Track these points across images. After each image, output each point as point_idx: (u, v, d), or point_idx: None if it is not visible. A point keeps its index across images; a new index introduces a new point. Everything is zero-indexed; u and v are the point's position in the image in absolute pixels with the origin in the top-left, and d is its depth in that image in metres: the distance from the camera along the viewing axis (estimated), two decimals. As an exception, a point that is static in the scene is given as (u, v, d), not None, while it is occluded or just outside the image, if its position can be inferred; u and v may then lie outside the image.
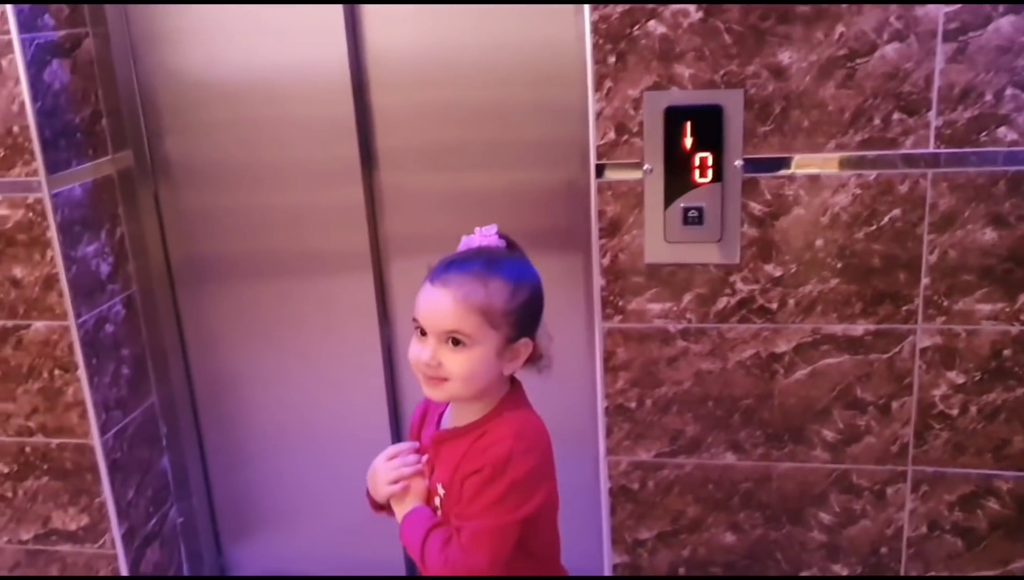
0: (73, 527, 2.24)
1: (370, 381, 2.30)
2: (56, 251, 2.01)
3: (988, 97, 1.63)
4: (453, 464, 1.37)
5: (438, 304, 1.31)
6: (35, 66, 1.94)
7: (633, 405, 1.91)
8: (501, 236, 1.40)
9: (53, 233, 2.00)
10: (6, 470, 2.21)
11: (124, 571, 2.25)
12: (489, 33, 1.98)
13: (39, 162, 1.95)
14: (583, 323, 2.08)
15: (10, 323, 2.09)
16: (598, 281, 1.84)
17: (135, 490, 2.28)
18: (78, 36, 2.07)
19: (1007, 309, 1.72)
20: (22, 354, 2.10)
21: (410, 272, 2.18)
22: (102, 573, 2.26)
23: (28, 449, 2.18)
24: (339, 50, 2.04)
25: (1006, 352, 1.74)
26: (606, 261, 1.83)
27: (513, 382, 1.41)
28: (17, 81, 1.91)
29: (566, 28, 1.88)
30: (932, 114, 1.65)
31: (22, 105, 1.92)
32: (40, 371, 2.11)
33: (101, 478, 2.17)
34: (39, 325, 2.07)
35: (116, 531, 2.22)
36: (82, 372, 2.09)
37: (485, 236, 1.39)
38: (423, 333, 1.34)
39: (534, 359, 1.39)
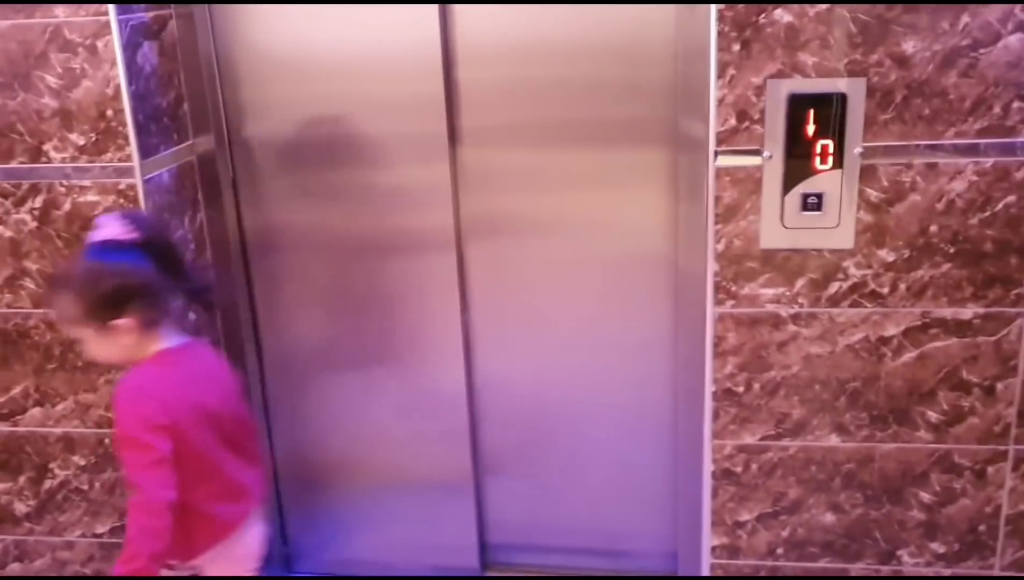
0: (153, 519, 2.20)
1: (449, 363, 2.29)
2: (148, 239, 1.96)
3: (1105, 86, 1.68)
4: None
5: None
6: (130, 48, 1.89)
7: (741, 389, 1.93)
8: (136, 223, 1.64)
9: (145, 220, 1.95)
10: (83, 462, 2.17)
11: (204, 562, 2.22)
12: (578, 10, 1.98)
13: (133, 147, 1.91)
14: (670, 308, 2.11)
15: (94, 312, 2.03)
16: (712, 266, 1.86)
17: (213, 480, 2.25)
18: (164, 17, 2.02)
19: (1113, 292, 1.78)
20: (106, 344, 2.06)
21: (490, 251, 2.20)
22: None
23: (107, 441, 2.14)
24: (430, 26, 2.02)
25: (1110, 334, 1.80)
26: (720, 246, 1.84)
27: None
28: (113, 64, 1.86)
29: (657, 7, 1.91)
30: (1050, 103, 1.69)
31: (117, 89, 1.88)
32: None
33: (185, 469, 2.14)
34: (126, 314, 2.03)
35: (198, 522, 2.19)
36: (169, 361, 2.05)
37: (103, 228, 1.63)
38: None
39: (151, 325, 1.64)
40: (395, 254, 2.23)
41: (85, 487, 2.19)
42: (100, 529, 2.23)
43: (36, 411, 2.12)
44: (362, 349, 2.32)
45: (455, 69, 2.07)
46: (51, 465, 2.17)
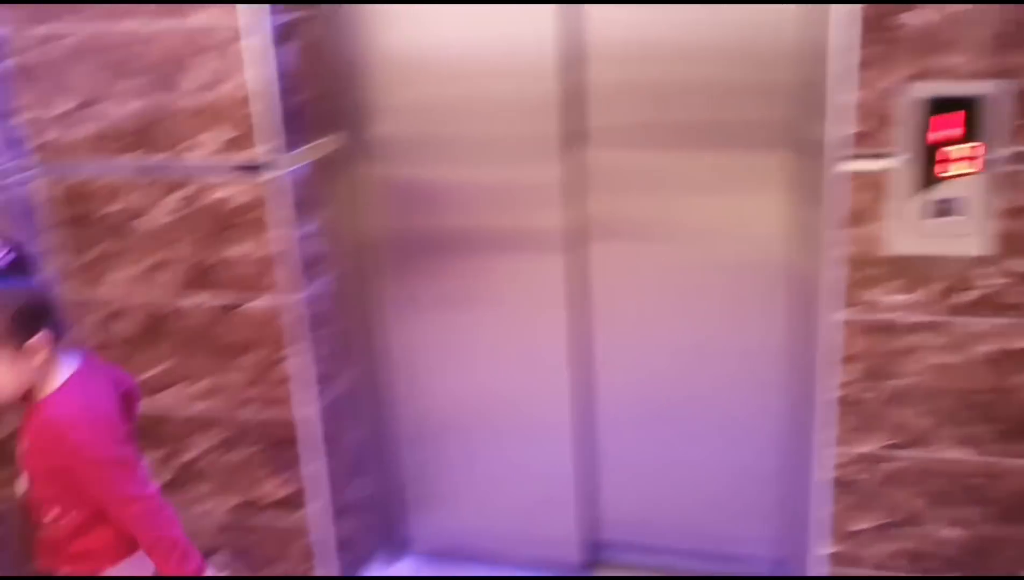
0: (276, 498, 2.30)
1: (553, 362, 2.32)
2: (282, 231, 2.06)
3: None
4: None
5: None
6: (269, 50, 1.97)
7: (862, 396, 1.89)
8: (7, 245, 1.64)
9: (280, 213, 2.05)
10: (217, 441, 2.29)
11: (326, 542, 2.32)
12: (704, 10, 1.97)
13: (272, 144, 2.00)
14: (789, 313, 2.09)
15: (230, 300, 2.14)
16: (836, 272, 1.83)
17: (334, 463, 2.34)
18: (300, 21, 2.10)
19: None
20: (240, 330, 2.16)
21: (613, 252, 2.21)
22: (297, 545, 2.33)
23: (240, 421, 2.25)
24: (549, 25, 2.05)
25: None
26: (846, 252, 1.81)
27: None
28: (252, 65, 1.95)
29: (785, 7, 1.89)
30: None
31: (256, 88, 1.97)
32: (256, 346, 2.17)
33: (309, 451, 2.23)
34: (259, 302, 2.13)
35: (319, 503, 2.28)
36: (298, 348, 2.15)
37: None
38: None
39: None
40: (514, 254, 2.26)
41: (217, 464, 2.31)
42: (227, 505, 2.34)
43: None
44: (478, 347, 2.37)
45: (579, 69, 2.09)
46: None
